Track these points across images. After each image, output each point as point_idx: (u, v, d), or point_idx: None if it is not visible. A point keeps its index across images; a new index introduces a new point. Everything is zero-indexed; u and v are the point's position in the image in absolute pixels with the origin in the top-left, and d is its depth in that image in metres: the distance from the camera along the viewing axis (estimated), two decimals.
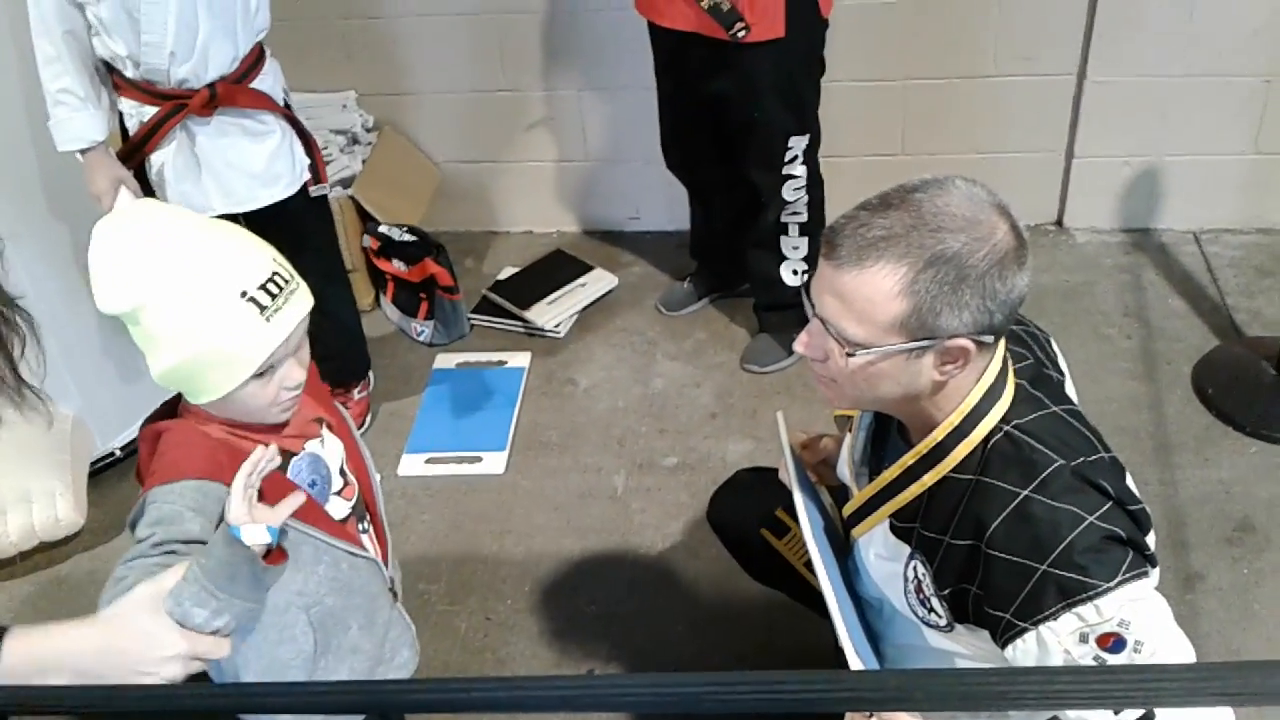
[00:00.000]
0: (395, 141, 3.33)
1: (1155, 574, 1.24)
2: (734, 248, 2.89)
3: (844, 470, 1.53)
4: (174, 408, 1.39)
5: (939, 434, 1.28)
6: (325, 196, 2.51)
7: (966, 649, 1.37)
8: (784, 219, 2.69)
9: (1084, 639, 1.18)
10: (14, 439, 2.42)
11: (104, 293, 1.25)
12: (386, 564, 1.55)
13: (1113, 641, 1.18)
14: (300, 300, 1.31)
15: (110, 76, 2.21)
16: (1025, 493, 1.22)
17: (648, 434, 2.71)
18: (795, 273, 2.74)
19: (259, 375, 1.30)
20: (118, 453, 2.70)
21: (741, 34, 2.38)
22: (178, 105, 2.18)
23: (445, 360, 3.02)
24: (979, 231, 1.17)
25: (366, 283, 3.20)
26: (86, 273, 1.27)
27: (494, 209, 3.49)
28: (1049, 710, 0.65)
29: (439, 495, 2.61)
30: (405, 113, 3.34)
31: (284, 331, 1.28)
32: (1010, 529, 1.22)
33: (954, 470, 1.28)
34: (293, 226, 2.39)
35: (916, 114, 3.10)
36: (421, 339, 3.09)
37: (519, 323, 3.10)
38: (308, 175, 2.40)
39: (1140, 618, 1.19)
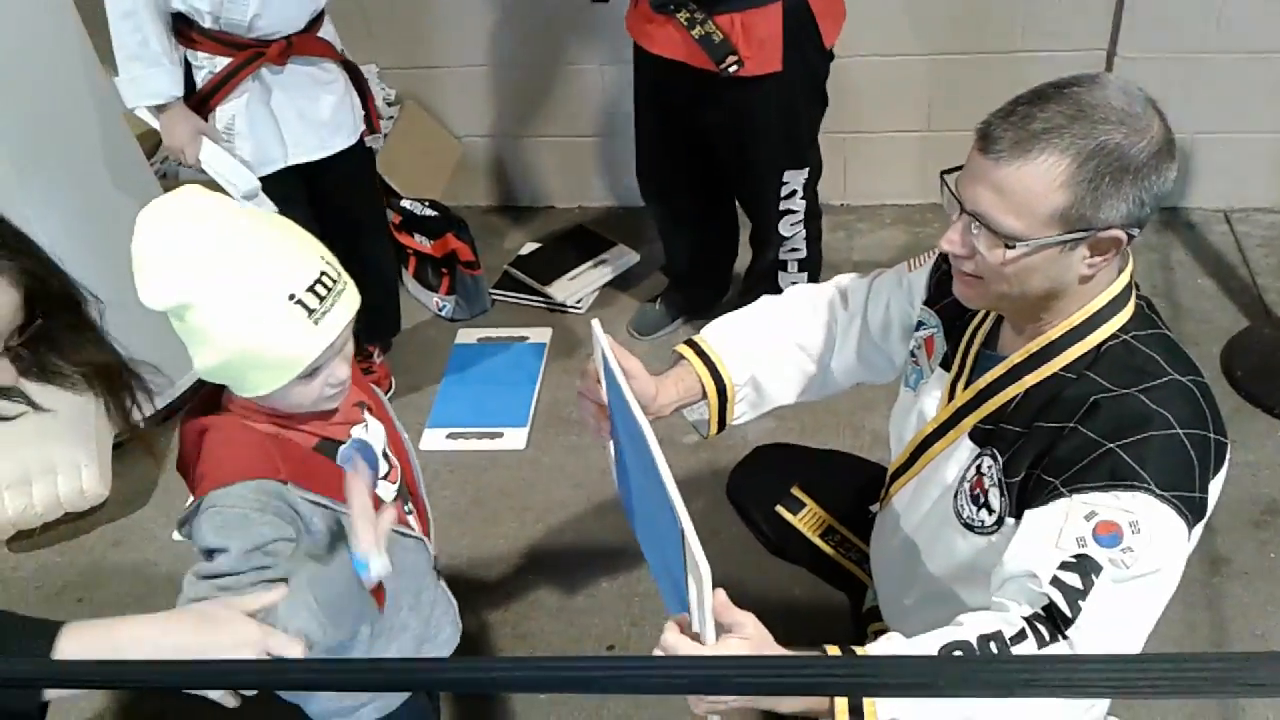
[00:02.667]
0: (417, 115, 3.32)
1: (1188, 532, 1.21)
2: (710, 279, 2.87)
3: (906, 419, 1.54)
4: (212, 399, 1.35)
5: (1055, 332, 1.30)
6: (371, 148, 2.52)
7: (987, 559, 1.35)
8: (782, 255, 2.60)
9: (1089, 518, 1.18)
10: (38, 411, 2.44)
11: (150, 287, 1.18)
12: (430, 541, 1.55)
13: (1109, 534, 1.16)
14: (348, 300, 1.25)
15: (179, 28, 2.18)
16: (1132, 391, 1.24)
17: None
18: None
19: (304, 375, 1.25)
20: (141, 424, 2.71)
21: (733, 69, 2.25)
22: (254, 54, 2.18)
23: (466, 335, 3.02)
24: (1138, 124, 1.18)
25: None
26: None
27: (515, 184, 3.49)
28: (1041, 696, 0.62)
29: (460, 470, 2.61)
30: (427, 86, 3.33)
31: (331, 334, 1.23)
32: (1105, 410, 1.24)
33: (1062, 369, 1.30)
34: (352, 174, 2.42)
35: (943, 89, 3.06)
36: (443, 314, 3.09)
37: (540, 298, 3.10)
38: (363, 126, 2.42)
39: (1153, 541, 1.16)
